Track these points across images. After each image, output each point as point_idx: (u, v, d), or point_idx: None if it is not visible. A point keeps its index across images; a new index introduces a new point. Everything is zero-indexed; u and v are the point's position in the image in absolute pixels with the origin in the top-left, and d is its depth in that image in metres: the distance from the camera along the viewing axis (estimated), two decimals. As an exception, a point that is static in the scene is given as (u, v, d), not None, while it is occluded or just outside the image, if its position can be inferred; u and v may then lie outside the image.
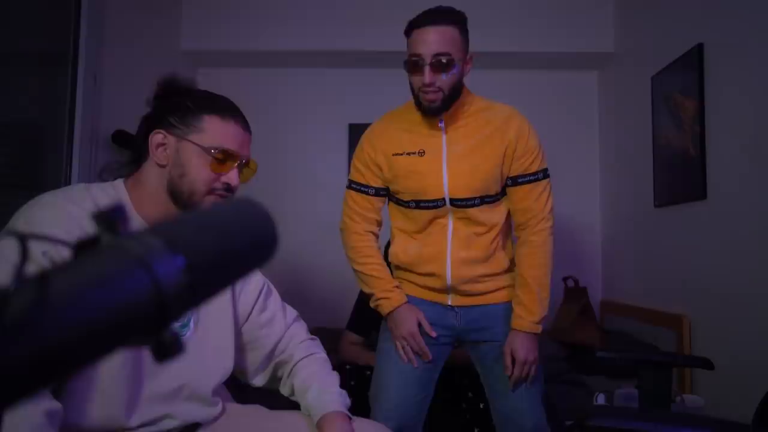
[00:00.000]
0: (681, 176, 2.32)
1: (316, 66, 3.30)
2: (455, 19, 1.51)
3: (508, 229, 1.69)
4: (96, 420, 1.00)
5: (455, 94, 1.54)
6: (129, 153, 1.13)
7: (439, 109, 1.53)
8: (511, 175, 1.60)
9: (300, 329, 1.32)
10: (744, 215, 1.93)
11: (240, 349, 1.24)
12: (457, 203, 1.57)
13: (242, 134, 1.10)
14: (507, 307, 1.62)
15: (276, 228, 0.42)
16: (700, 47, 2.19)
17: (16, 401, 0.27)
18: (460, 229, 1.59)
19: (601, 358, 1.70)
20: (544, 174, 1.61)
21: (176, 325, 1.08)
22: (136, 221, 1.06)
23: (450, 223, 1.60)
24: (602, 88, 3.30)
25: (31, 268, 0.28)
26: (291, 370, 1.26)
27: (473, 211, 1.58)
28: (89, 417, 1.00)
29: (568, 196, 3.01)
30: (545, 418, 1.62)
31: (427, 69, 1.48)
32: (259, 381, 1.29)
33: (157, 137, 1.06)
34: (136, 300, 0.31)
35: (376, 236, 1.69)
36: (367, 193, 1.65)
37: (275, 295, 1.31)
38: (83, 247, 0.32)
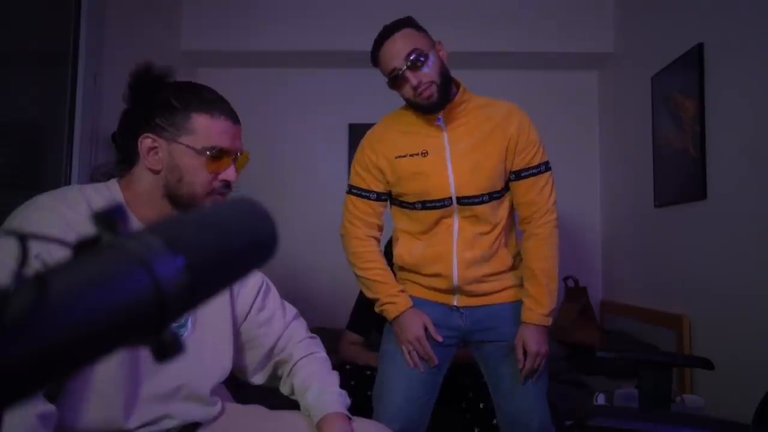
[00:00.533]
0: (681, 176, 2.32)
1: (316, 66, 3.30)
2: (402, 23, 1.54)
3: (511, 226, 1.69)
4: (94, 422, 1.00)
5: (446, 80, 1.55)
6: (117, 154, 1.11)
7: (438, 102, 1.54)
8: (514, 170, 1.61)
9: (299, 327, 1.32)
10: (744, 215, 1.93)
11: (239, 348, 1.24)
12: (464, 201, 1.58)
13: (232, 128, 1.07)
14: (512, 307, 1.63)
15: (276, 228, 0.42)
16: (700, 47, 2.19)
17: (16, 401, 0.27)
18: (466, 228, 1.59)
19: (601, 358, 1.70)
20: (546, 167, 1.62)
21: (173, 325, 1.08)
22: (133, 221, 1.05)
23: (456, 223, 1.60)
24: (602, 88, 3.30)
25: (28, 270, 0.28)
26: (291, 369, 1.26)
27: (481, 209, 1.58)
28: (87, 419, 0.99)
29: (569, 196, 3.00)
30: (549, 417, 1.62)
31: (407, 73, 1.49)
32: (258, 379, 1.29)
33: (146, 142, 1.03)
34: (136, 300, 0.31)
35: (378, 241, 1.69)
36: (368, 198, 1.65)
37: (274, 293, 1.31)
38: (83, 247, 0.32)
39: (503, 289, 1.64)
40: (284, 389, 1.28)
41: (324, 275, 3.18)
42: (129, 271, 0.31)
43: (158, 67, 1.07)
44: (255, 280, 1.26)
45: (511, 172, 1.61)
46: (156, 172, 1.05)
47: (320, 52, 3.11)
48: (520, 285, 1.64)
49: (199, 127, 1.04)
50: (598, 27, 3.07)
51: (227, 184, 1.08)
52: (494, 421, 2.12)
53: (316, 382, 1.21)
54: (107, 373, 1.00)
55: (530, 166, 1.60)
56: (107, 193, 1.06)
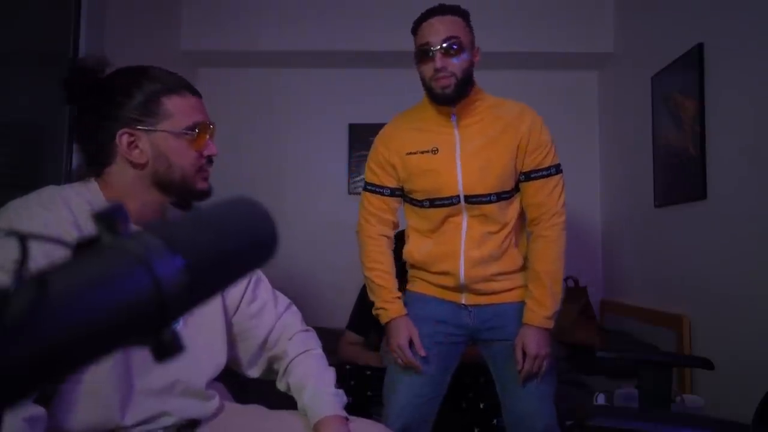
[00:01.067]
0: (681, 176, 2.32)
1: (316, 66, 3.30)
2: (460, 12, 1.59)
3: (521, 227, 1.69)
4: (91, 421, 1.00)
5: (467, 80, 1.57)
6: (86, 156, 1.08)
7: (452, 95, 1.55)
8: (524, 171, 1.62)
9: (292, 318, 1.30)
10: (744, 215, 1.93)
11: (231, 340, 1.24)
12: (472, 200, 1.58)
13: (199, 101, 1.10)
14: (521, 307, 1.63)
15: (276, 227, 0.42)
16: (699, 47, 2.19)
17: (16, 401, 0.27)
18: (474, 227, 1.60)
19: (601, 358, 1.70)
20: (557, 169, 1.63)
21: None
22: None
23: (464, 221, 1.60)
24: (602, 88, 3.30)
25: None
26: (287, 367, 1.25)
27: (489, 208, 1.58)
28: (84, 418, 0.99)
29: (568, 195, 2.97)
30: (556, 418, 1.62)
31: (437, 54, 1.52)
32: (254, 373, 1.29)
33: (124, 138, 1.03)
34: (136, 300, 0.31)
35: (390, 240, 1.70)
36: (382, 194, 1.67)
37: (265, 284, 1.30)
38: (82, 247, 0.32)
39: (513, 289, 1.64)
40: (281, 386, 1.28)
41: (324, 275, 3.18)
42: (129, 271, 0.31)
43: (89, 60, 1.06)
44: None
45: (521, 172, 1.62)
46: (139, 166, 1.05)
47: (320, 52, 3.11)
48: None
49: (174, 110, 1.05)
50: (598, 27, 3.07)
51: (211, 159, 1.11)
52: (494, 421, 2.12)
53: (312, 381, 1.20)
54: (101, 371, 0.99)
55: (540, 167, 1.61)
56: (87, 193, 1.04)
